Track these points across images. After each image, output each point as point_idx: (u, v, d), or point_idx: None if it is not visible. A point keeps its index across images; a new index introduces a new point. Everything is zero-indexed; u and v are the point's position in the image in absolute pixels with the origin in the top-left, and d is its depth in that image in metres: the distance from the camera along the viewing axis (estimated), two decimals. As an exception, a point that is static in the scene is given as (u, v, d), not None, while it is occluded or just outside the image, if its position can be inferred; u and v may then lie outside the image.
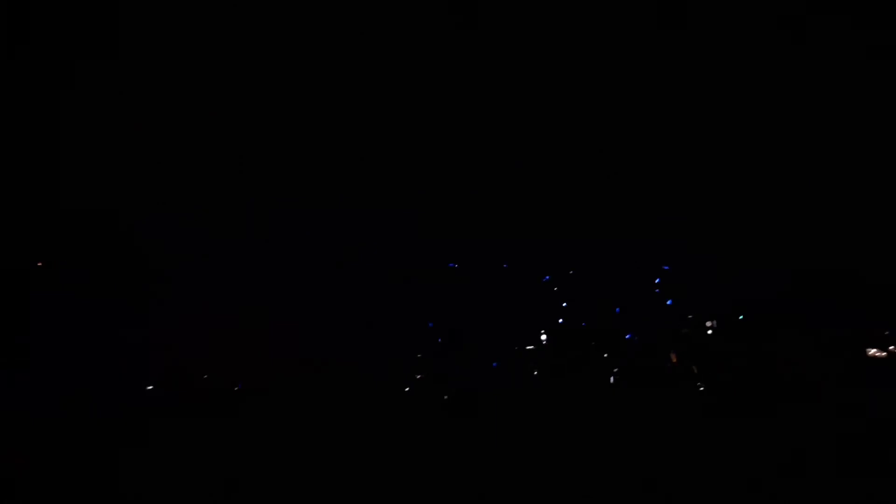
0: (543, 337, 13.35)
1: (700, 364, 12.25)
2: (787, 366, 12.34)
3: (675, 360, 12.24)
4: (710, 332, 12.64)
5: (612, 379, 12.14)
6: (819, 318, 13.03)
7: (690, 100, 14.62)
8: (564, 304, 13.63)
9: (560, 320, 13.37)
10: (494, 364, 12.66)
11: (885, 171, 13.83)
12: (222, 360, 13.72)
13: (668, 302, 12.67)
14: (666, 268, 12.50)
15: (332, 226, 14.40)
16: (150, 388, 13.61)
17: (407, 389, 13.01)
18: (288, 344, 13.99)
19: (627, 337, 12.50)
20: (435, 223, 14.09)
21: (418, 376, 13.13)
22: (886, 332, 12.65)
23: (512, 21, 14.83)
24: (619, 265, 14.10)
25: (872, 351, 12.40)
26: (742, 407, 11.36)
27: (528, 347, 13.18)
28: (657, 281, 12.95)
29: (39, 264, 13.77)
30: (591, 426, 10.58)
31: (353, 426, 11.77)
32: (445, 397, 12.61)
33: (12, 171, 13.81)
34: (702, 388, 12.04)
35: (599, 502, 7.58)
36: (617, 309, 12.79)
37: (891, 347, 12.50)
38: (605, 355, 12.61)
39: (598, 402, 11.98)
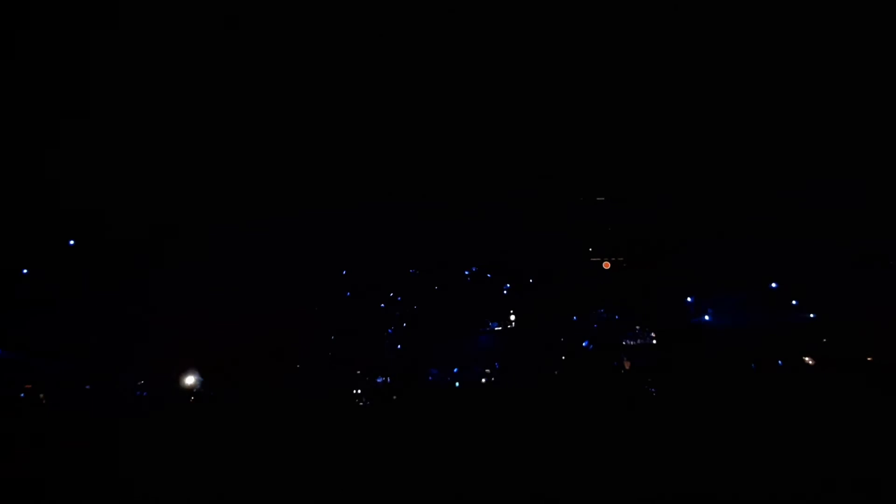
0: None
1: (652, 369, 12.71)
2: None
3: (627, 365, 12.82)
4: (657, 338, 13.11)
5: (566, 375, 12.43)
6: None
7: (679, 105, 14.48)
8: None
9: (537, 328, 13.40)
10: (476, 368, 12.73)
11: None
12: (220, 360, 13.66)
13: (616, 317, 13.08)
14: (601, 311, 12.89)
15: (331, 226, 14.34)
16: (148, 387, 13.52)
17: (396, 391, 13.00)
18: (285, 343, 13.90)
19: (584, 344, 12.79)
20: (432, 224, 14.02)
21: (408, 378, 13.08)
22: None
23: (512, 22, 14.64)
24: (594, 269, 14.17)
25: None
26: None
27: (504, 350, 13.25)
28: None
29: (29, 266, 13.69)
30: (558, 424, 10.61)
31: (347, 426, 11.67)
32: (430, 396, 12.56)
33: (11, 171, 13.79)
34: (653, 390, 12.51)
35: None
36: (574, 317, 13.00)
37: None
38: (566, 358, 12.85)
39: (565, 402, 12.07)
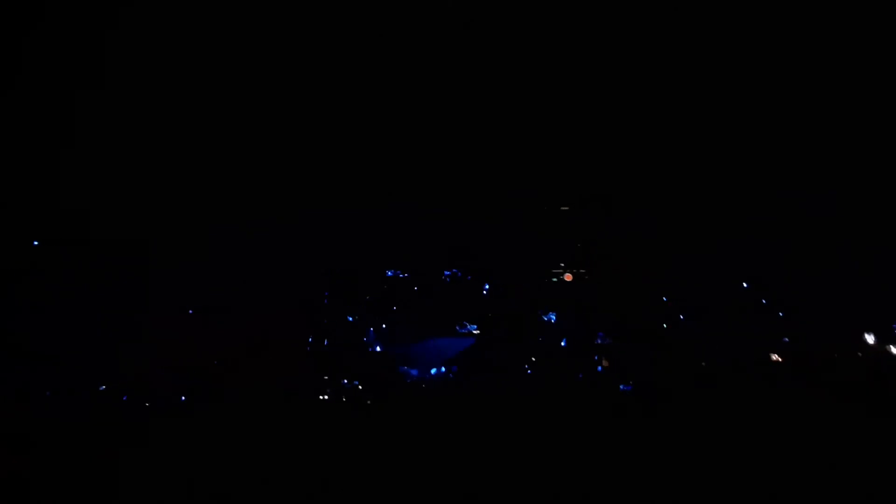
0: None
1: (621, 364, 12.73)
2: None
3: (605, 363, 12.83)
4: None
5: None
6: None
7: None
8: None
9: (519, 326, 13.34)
10: (454, 369, 12.69)
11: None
12: (217, 360, 13.60)
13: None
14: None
15: (328, 227, 14.30)
16: (148, 387, 13.45)
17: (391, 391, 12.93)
18: (281, 343, 13.86)
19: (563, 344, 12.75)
20: (427, 225, 13.98)
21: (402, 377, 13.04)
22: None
23: (513, 24, 14.61)
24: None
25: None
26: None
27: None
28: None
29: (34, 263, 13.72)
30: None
31: (347, 426, 11.65)
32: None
33: (12, 171, 13.79)
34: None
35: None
36: (552, 316, 12.96)
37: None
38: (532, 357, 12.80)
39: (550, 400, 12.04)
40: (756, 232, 13.85)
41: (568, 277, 13.05)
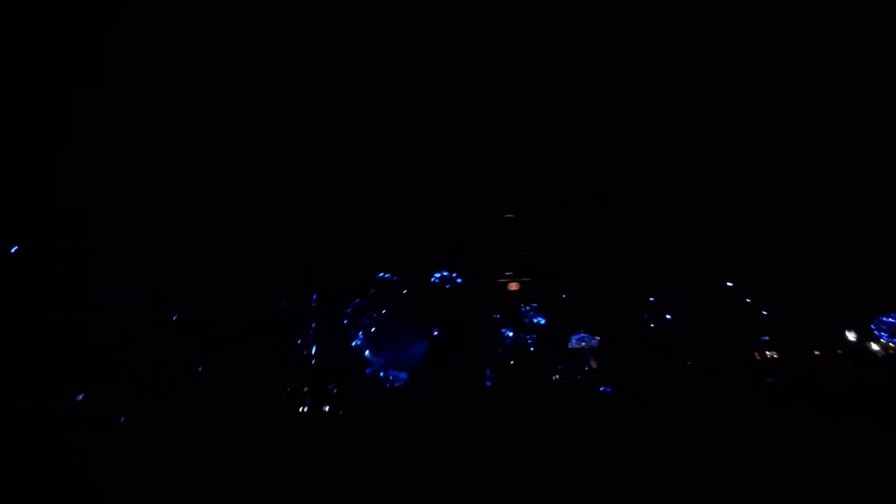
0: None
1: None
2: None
3: (594, 365, 12.80)
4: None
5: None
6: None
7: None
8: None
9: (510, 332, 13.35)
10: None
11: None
12: (216, 360, 13.60)
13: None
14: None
15: (328, 227, 14.30)
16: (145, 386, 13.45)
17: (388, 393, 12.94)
18: (279, 344, 13.86)
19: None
20: (423, 227, 13.99)
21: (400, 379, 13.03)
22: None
23: (513, 24, 14.60)
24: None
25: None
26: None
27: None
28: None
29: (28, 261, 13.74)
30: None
31: (344, 427, 11.63)
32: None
33: (12, 171, 13.81)
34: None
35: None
36: (541, 319, 12.94)
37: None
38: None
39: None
40: (756, 232, 13.86)
41: (513, 286, 12.87)
